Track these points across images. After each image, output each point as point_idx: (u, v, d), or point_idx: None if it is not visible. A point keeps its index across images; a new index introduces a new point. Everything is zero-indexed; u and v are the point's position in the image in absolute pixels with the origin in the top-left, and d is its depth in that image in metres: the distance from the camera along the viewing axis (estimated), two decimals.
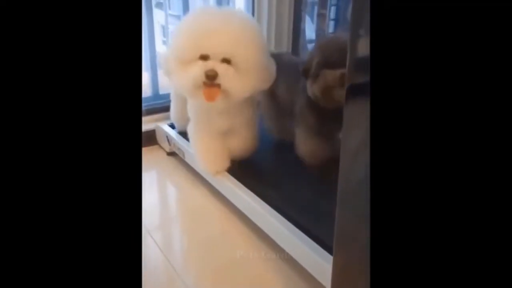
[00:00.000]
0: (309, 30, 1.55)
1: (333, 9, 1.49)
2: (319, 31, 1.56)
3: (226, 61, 0.90)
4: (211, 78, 0.89)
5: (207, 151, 1.10)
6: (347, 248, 0.60)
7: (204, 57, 0.90)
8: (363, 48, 0.49)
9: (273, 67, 1.01)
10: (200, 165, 1.14)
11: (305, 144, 1.10)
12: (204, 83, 0.91)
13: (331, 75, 0.93)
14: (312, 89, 0.97)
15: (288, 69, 1.09)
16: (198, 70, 0.90)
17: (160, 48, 1.53)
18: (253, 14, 1.50)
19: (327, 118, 1.02)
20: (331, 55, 0.94)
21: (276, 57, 1.11)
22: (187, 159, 1.24)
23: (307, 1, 1.53)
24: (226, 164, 1.10)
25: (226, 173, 1.09)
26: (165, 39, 1.60)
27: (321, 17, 1.55)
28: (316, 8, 1.54)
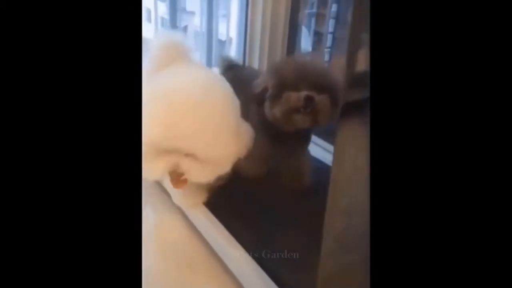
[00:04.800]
0: (306, 44, 1.53)
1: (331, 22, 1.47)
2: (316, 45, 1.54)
3: (191, 155, 0.82)
4: (175, 177, 0.84)
5: None
6: None
7: (167, 151, 0.82)
8: (361, 64, 0.48)
9: (247, 132, 0.92)
10: (174, 197, 1.04)
11: (258, 167, 1.05)
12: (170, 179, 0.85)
13: (296, 97, 0.88)
14: (273, 112, 0.91)
15: (245, 84, 1.02)
16: (160, 169, 0.82)
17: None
18: (246, 27, 1.44)
19: (280, 140, 0.98)
20: (290, 77, 0.90)
21: (235, 69, 1.04)
22: (166, 185, 1.12)
23: (304, 14, 1.51)
24: (203, 196, 1.01)
25: (203, 207, 0.99)
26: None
27: (318, 33, 1.53)
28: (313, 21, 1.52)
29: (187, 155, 0.81)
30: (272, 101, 0.92)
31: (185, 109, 0.80)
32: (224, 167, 0.87)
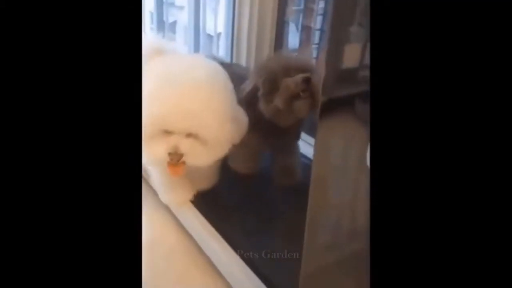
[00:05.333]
0: (293, 40, 1.53)
1: (319, 19, 1.47)
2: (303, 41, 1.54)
3: (192, 135, 0.81)
4: (175, 159, 0.82)
5: (168, 178, 0.99)
6: None
7: (168, 132, 0.81)
8: (348, 59, 0.48)
9: (243, 119, 0.92)
10: (162, 195, 1.03)
11: (250, 164, 1.05)
12: (168, 161, 0.84)
13: (293, 81, 0.87)
14: (273, 105, 0.90)
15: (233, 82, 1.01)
16: (160, 149, 0.81)
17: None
18: (233, 22, 1.43)
19: (273, 138, 0.98)
20: (280, 70, 0.90)
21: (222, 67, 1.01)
22: (152, 182, 1.10)
23: (292, 10, 1.50)
24: (191, 193, 1.00)
25: (191, 205, 0.98)
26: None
27: (306, 29, 1.53)
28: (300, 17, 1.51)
29: (188, 135, 0.81)
30: (268, 96, 0.91)
31: (188, 88, 0.81)
32: (222, 150, 0.87)
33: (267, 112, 0.92)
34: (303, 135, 1.21)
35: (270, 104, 0.90)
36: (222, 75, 0.90)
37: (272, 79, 0.90)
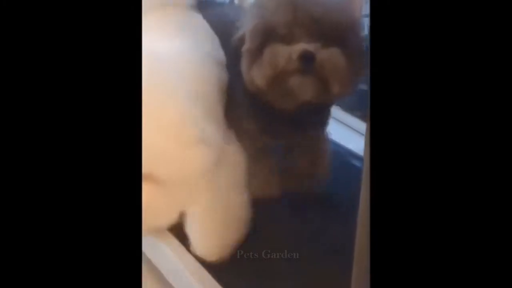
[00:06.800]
0: None
1: None
2: None
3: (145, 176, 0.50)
4: None
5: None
6: None
7: None
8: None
9: (214, 139, 0.57)
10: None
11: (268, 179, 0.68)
12: None
13: (286, 53, 0.54)
14: (252, 74, 0.56)
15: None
16: None
17: None
18: None
19: (275, 124, 0.62)
20: (279, 18, 0.56)
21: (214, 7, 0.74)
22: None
23: None
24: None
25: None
26: None
27: None
28: None
29: None
30: (250, 59, 0.57)
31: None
32: (188, 192, 0.56)
33: (247, 83, 0.59)
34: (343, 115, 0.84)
35: (249, 74, 0.58)
36: (174, 70, 0.55)
37: (263, 32, 0.56)
